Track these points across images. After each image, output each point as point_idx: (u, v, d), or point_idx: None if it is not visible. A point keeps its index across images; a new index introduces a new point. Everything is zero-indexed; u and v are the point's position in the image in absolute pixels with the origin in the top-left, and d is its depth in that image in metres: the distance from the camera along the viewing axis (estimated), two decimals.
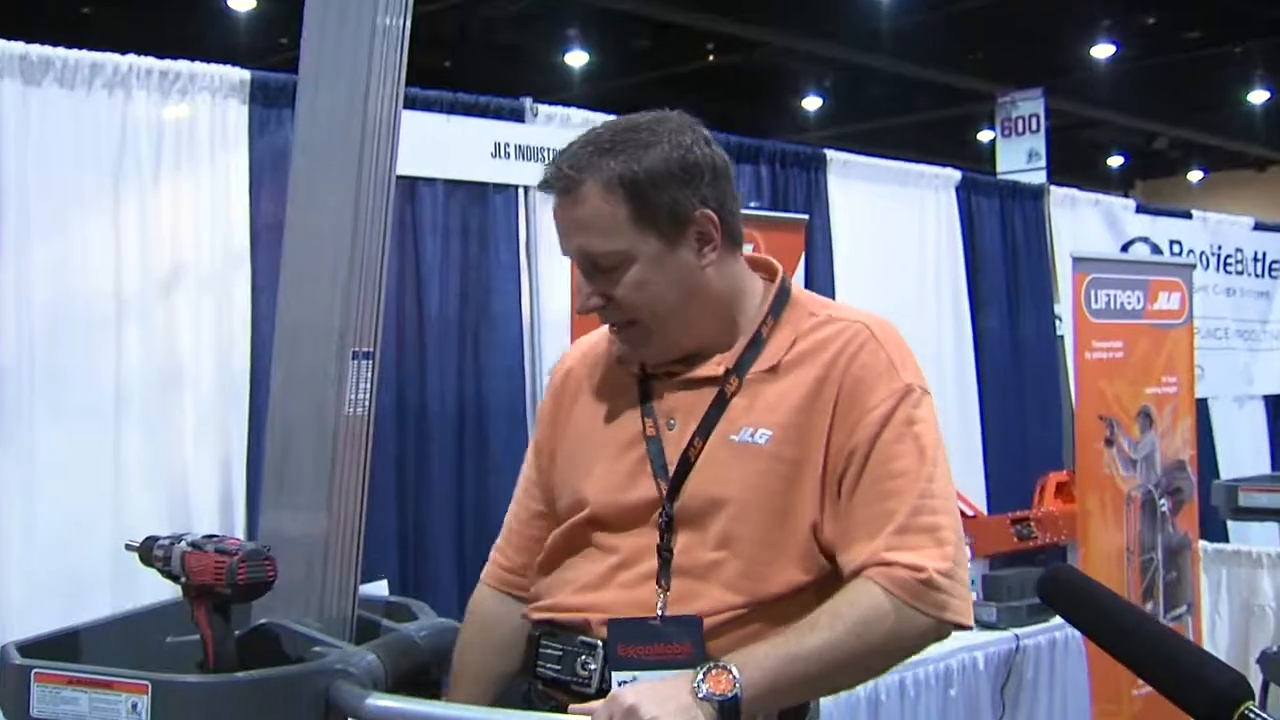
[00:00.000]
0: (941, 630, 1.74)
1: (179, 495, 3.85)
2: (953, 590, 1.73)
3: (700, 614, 1.77)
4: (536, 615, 1.91)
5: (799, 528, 1.79)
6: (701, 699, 1.60)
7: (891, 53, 12.14)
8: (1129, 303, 4.99)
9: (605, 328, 1.95)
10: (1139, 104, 14.82)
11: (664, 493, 1.82)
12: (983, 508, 5.69)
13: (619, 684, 1.75)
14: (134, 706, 1.63)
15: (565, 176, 1.79)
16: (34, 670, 1.70)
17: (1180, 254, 6.81)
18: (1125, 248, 6.44)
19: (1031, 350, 6.20)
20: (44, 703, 1.68)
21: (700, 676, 1.62)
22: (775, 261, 1.94)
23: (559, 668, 1.83)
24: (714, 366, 1.85)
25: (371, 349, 2.01)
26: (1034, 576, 4.96)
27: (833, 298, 5.66)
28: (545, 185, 1.83)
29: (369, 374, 2.00)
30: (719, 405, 1.83)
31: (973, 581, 4.89)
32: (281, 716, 1.67)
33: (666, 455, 1.84)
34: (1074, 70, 13.02)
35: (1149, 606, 4.93)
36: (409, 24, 2.05)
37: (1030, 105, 10.03)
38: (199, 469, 3.87)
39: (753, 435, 1.80)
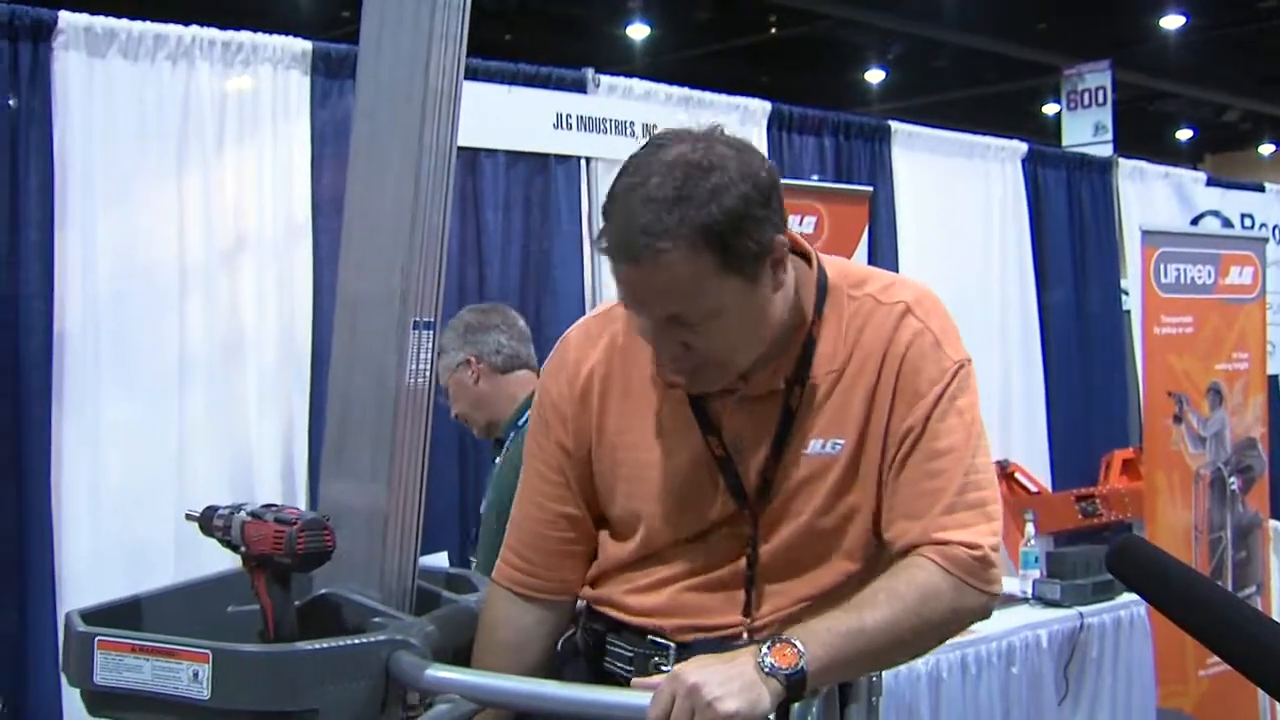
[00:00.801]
0: (992, 605, 1.75)
1: (242, 466, 3.88)
2: (999, 564, 1.74)
3: (785, 614, 1.79)
4: (606, 611, 1.90)
5: (860, 522, 1.79)
6: (767, 674, 1.58)
7: (955, 25, 12.00)
8: (1199, 277, 4.91)
9: (618, 310, 1.89)
10: (1209, 76, 14.57)
11: (748, 517, 1.80)
12: (1047, 484, 5.64)
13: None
14: (195, 675, 1.64)
15: (640, 245, 1.63)
16: (97, 638, 1.71)
17: (1252, 228, 6.68)
18: (1195, 221, 6.33)
19: (1098, 325, 6.12)
20: (107, 670, 1.69)
21: (765, 651, 1.60)
22: (804, 242, 1.83)
23: (630, 668, 1.82)
24: (772, 379, 1.78)
25: (432, 319, 1.99)
26: (1099, 554, 4.92)
27: (896, 269, 5.68)
28: (614, 253, 1.68)
29: (430, 344, 1.98)
30: (786, 419, 1.79)
31: (1036, 558, 4.85)
32: (342, 687, 1.67)
33: (742, 477, 1.80)
34: (1142, 41, 12.81)
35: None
36: None
37: (1097, 78, 9.87)
38: (261, 439, 3.90)
39: (824, 446, 1.78)
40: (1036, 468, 5.66)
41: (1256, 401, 5.06)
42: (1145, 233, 4.86)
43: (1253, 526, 5.01)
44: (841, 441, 1.77)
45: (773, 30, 12.54)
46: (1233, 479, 4.94)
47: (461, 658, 1.85)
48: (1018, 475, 5.49)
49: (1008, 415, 5.73)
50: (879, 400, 1.77)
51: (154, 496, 3.68)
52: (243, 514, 1.79)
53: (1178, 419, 4.82)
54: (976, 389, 1.81)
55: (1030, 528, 4.98)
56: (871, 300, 1.81)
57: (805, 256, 1.82)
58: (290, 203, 3.98)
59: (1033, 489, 5.49)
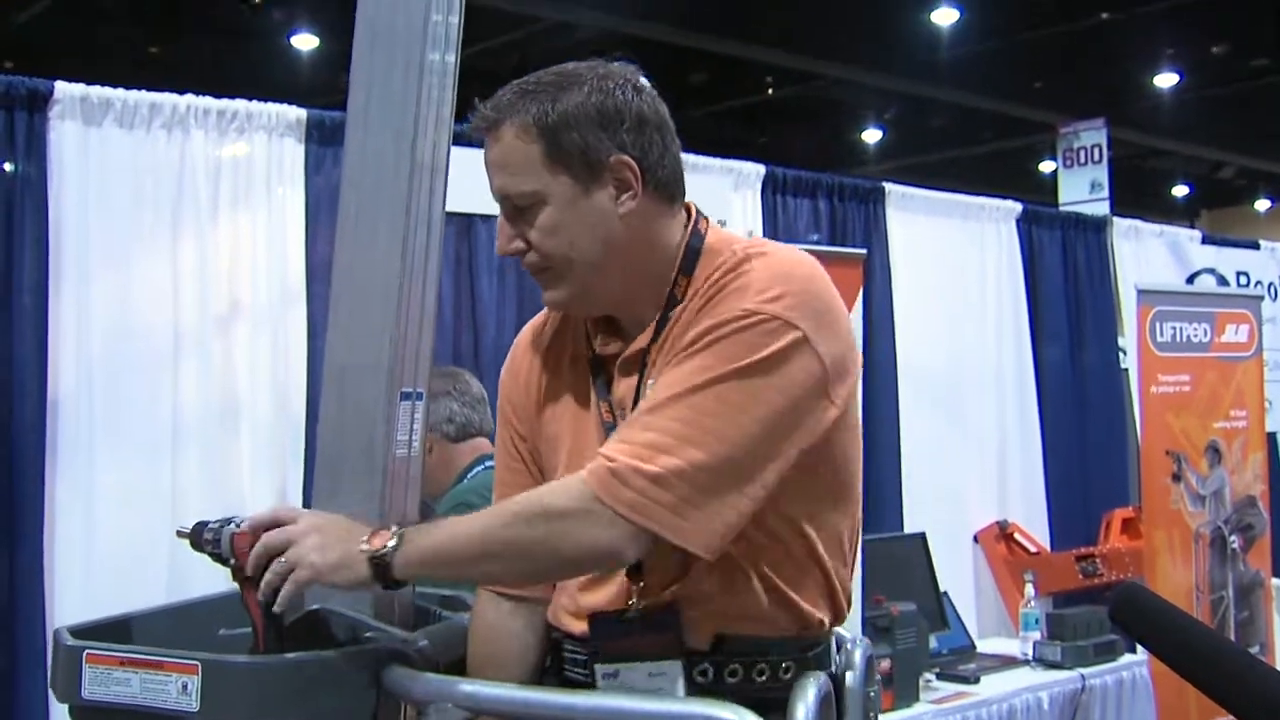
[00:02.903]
0: (621, 532, 1.63)
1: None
2: (651, 494, 1.62)
3: (664, 586, 1.76)
4: (552, 621, 1.90)
5: None
6: (359, 551, 1.69)
7: (951, 84, 12.09)
8: (1195, 335, 4.91)
9: (538, 319, 1.99)
10: (1204, 133, 14.65)
11: None
12: (1046, 544, 5.62)
13: (602, 677, 1.76)
14: (184, 687, 1.64)
15: (485, 117, 1.80)
16: (86, 651, 1.71)
17: (1248, 285, 6.70)
18: (1191, 279, 6.35)
19: (1095, 383, 6.12)
20: (95, 684, 1.69)
21: (366, 533, 1.71)
22: (692, 205, 1.87)
23: (585, 672, 1.81)
24: (642, 340, 1.82)
25: (420, 389, 2.02)
26: (1100, 615, 4.90)
27: (893, 332, 5.70)
28: (472, 128, 1.84)
29: (417, 414, 2.00)
30: (642, 379, 1.81)
31: (1036, 619, 4.82)
32: (333, 698, 1.68)
33: None
34: (1137, 100, 12.90)
35: None
36: (457, 59, 2.06)
37: (1092, 135, 9.90)
38: (255, 502, 3.88)
39: None
40: (1035, 527, 5.65)
41: (1255, 459, 5.04)
42: (1141, 291, 4.87)
43: (1255, 585, 4.98)
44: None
45: (770, 91, 12.63)
46: (1233, 538, 4.92)
47: (454, 673, 1.84)
48: (1016, 535, 5.48)
49: (1005, 474, 5.72)
50: (683, 341, 1.75)
51: (147, 559, 3.67)
52: (232, 526, 1.81)
53: (1176, 477, 4.80)
54: (786, 352, 1.68)
55: (1030, 588, 4.96)
56: (730, 253, 1.79)
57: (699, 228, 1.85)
58: (285, 268, 3.99)
59: (1032, 549, 5.47)
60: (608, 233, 1.78)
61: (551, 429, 1.90)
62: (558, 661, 1.88)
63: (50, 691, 3.37)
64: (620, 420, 1.79)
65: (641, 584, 1.77)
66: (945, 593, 4.87)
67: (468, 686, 1.73)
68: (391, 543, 1.67)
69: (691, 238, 1.83)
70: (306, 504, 3.72)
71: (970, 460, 5.58)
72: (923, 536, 4.84)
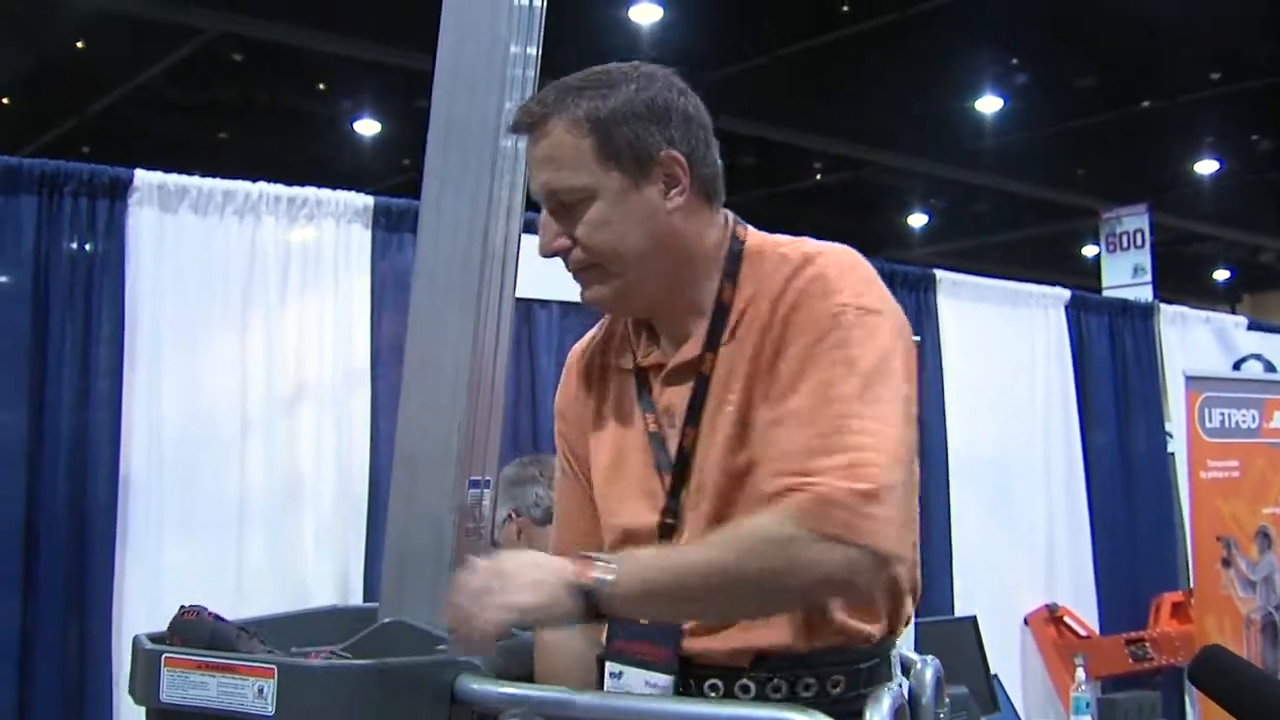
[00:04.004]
0: (852, 559, 1.57)
1: (299, 607, 3.92)
2: (869, 512, 1.57)
3: None
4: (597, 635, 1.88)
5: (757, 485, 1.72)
6: (570, 582, 1.61)
7: (995, 170, 12.19)
8: (1244, 421, 4.94)
9: (588, 336, 1.99)
10: (1244, 218, 14.68)
11: (667, 491, 1.78)
12: (1095, 628, 5.60)
13: (609, 675, 1.76)
14: (260, 690, 1.64)
15: (531, 112, 1.77)
16: (164, 655, 1.72)
17: None
18: (1237, 365, 6.35)
19: (1143, 468, 6.11)
20: (173, 688, 1.69)
21: (575, 561, 1.63)
22: (728, 214, 1.87)
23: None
24: (691, 348, 1.79)
25: (489, 477, 2.04)
26: (1151, 700, 4.89)
27: (943, 416, 5.73)
28: (515, 125, 1.81)
29: (485, 502, 2.03)
30: (701, 388, 1.78)
31: (1087, 704, 4.81)
32: (406, 705, 1.66)
33: (669, 450, 1.79)
34: (1178, 186, 12.98)
35: None
36: (529, 145, 2.02)
37: (1135, 221, 9.94)
38: (319, 581, 3.95)
39: (731, 406, 1.75)
40: (1084, 611, 5.62)
41: None
42: (1189, 378, 4.90)
43: None
44: (734, 396, 1.75)
45: (818, 176, 12.77)
46: None
47: None
48: (1066, 618, 5.46)
49: (1053, 558, 5.71)
50: (766, 348, 1.72)
51: None
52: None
53: (1226, 563, 4.81)
54: (888, 339, 1.69)
55: (1080, 672, 4.95)
56: (779, 256, 1.79)
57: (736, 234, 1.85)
58: (350, 351, 4.08)
59: (1082, 632, 5.45)
60: (655, 228, 1.77)
61: (596, 442, 1.90)
62: (600, 673, 1.84)
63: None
64: (667, 429, 1.79)
65: None
66: (995, 675, 4.87)
67: (540, 692, 1.73)
68: (607, 576, 1.60)
69: (731, 242, 1.83)
70: (369, 585, 3.83)
71: (1019, 543, 5.58)
72: (973, 620, 4.85)
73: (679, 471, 1.77)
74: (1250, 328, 6.83)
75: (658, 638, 1.74)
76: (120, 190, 3.77)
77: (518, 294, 2.20)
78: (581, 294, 1.82)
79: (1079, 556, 5.81)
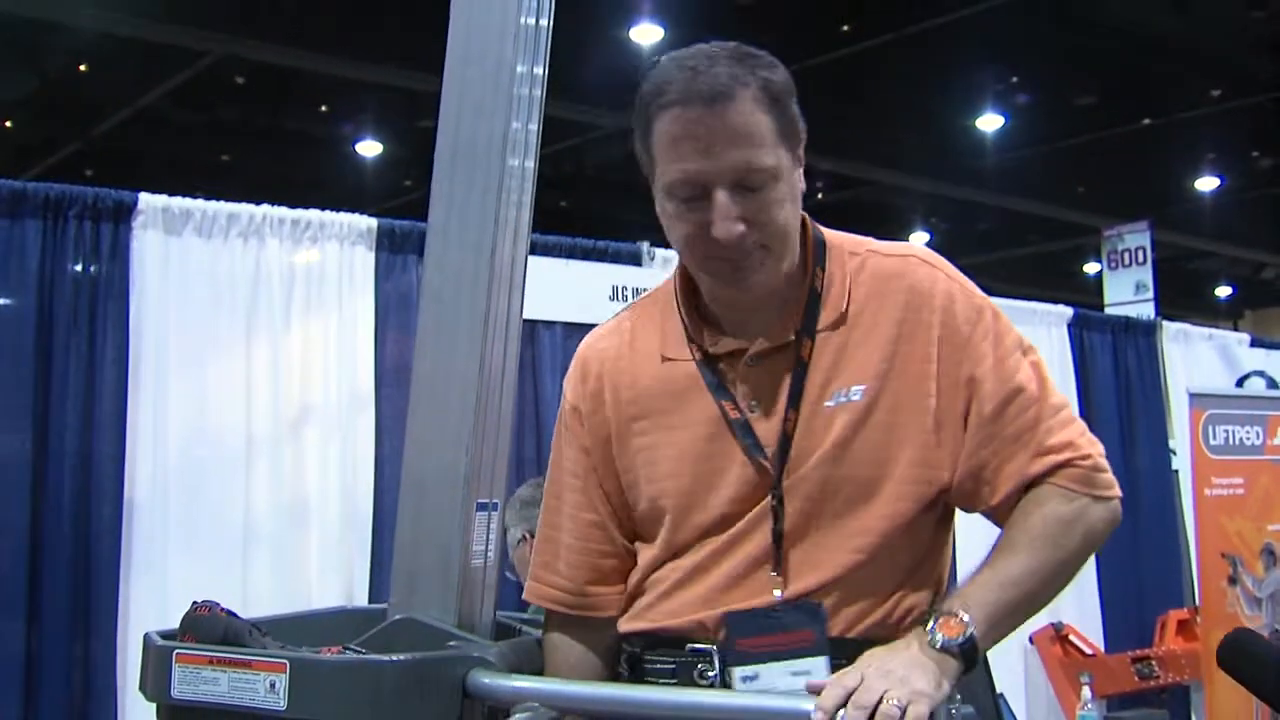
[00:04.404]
0: (1118, 510, 1.77)
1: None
2: (1108, 467, 1.76)
3: (821, 583, 1.72)
4: (638, 627, 1.83)
5: (903, 465, 1.73)
6: (940, 650, 1.56)
7: (997, 188, 12.22)
8: (1248, 438, 4.93)
9: (626, 312, 1.95)
10: (1245, 235, 14.72)
11: (772, 473, 1.74)
12: (1100, 646, 5.59)
13: (741, 680, 1.69)
14: (272, 685, 1.63)
15: (720, 85, 1.64)
16: (175, 651, 1.70)
17: None
18: (1240, 382, 6.36)
19: (1147, 486, 6.12)
20: (185, 683, 1.68)
21: (932, 628, 1.58)
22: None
23: (674, 681, 1.75)
24: (783, 330, 1.77)
25: (496, 499, 2.01)
26: (1158, 718, 4.87)
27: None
28: (690, 98, 1.65)
29: (493, 524, 2.00)
30: (800, 372, 1.75)
31: None
32: (419, 700, 1.65)
33: (759, 436, 1.75)
34: (1179, 202, 13.01)
35: None
36: (536, 166, 2.06)
37: (1137, 238, 9.97)
38: (323, 602, 3.94)
39: (845, 395, 1.74)
40: (1089, 629, 5.62)
41: None
42: (1193, 395, 4.90)
43: None
44: (862, 387, 1.73)
45: (820, 196, 12.79)
46: None
47: None
48: (1071, 637, 5.46)
49: None
50: (918, 346, 1.74)
51: None
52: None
53: (1232, 580, 4.79)
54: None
55: (1087, 691, 4.94)
56: (875, 255, 1.81)
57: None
58: (355, 372, 4.10)
59: (1088, 651, 5.45)
60: (797, 215, 1.76)
61: (643, 440, 1.84)
62: (637, 672, 1.82)
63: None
64: (750, 415, 1.76)
65: (792, 576, 1.73)
66: (1001, 694, 4.86)
67: (551, 686, 1.72)
68: (968, 622, 1.59)
69: (814, 230, 1.82)
70: (373, 599, 3.83)
71: None
72: None
73: (781, 458, 1.74)
74: (1253, 344, 6.84)
75: (794, 623, 1.70)
76: (125, 213, 3.80)
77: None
78: (738, 279, 1.74)
79: (1083, 575, 5.76)
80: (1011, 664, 5.38)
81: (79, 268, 3.75)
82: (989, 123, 10.90)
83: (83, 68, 9.35)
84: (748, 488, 1.76)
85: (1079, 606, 5.70)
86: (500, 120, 2.03)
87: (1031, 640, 5.47)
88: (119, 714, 3.62)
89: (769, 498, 1.74)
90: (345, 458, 4.05)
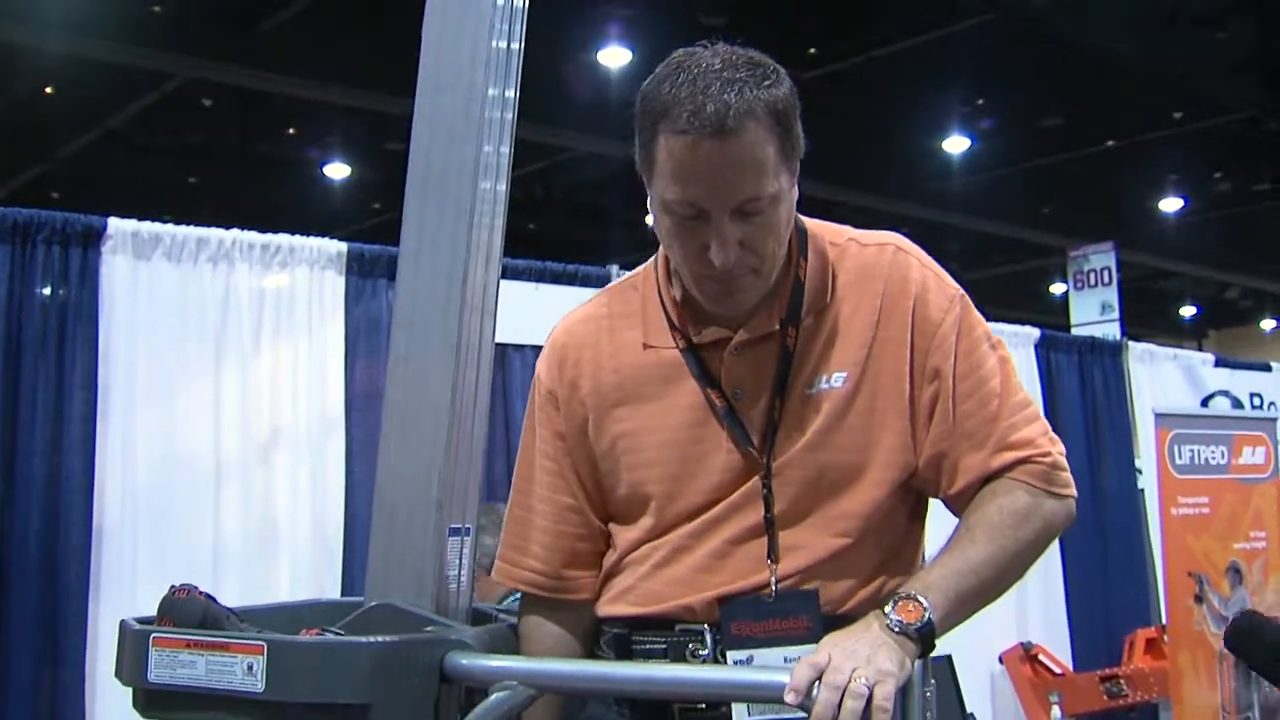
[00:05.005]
0: (1073, 510, 1.80)
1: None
2: (1066, 466, 1.80)
3: (808, 565, 1.75)
4: (622, 611, 1.85)
5: (883, 451, 1.77)
6: (898, 633, 1.59)
7: (963, 209, 12.30)
8: (1213, 458, 4.98)
9: (603, 297, 1.96)
10: (1209, 255, 14.87)
11: (761, 461, 1.76)
12: (1069, 665, 5.62)
13: (734, 663, 1.72)
14: (250, 668, 1.63)
15: (728, 115, 1.62)
16: (152, 635, 1.70)
17: (1261, 406, 6.77)
18: (1205, 401, 6.42)
19: (1114, 504, 6.16)
20: (161, 667, 1.67)
21: (889, 611, 1.61)
22: None
23: (708, 659, 1.77)
24: (768, 320, 1.79)
25: (469, 525, 2.01)
26: None
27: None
28: (701, 128, 1.63)
29: (465, 549, 1.99)
30: (785, 360, 1.79)
31: None
32: (398, 682, 1.65)
33: (746, 424, 1.78)
34: (1144, 224, 13.13)
35: None
36: (508, 189, 2.06)
37: (1102, 259, 10.07)
38: None
39: (827, 381, 1.77)
40: (1057, 648, 5.65)
41: (1276, 580, 5.08)
42: (1159, 415, 4.94)
43: None
44: (844, 374, 1.77)
45: None
46: None
47: None
48: (1041, 657, 5.48)
49: (1025, 596, 5.73)
50: (887, 334, 1.78)
51: None
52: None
53: (1199, 599, 4.84)
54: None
55: (1056, 710, 4.97)
56: (855, 244, 1.85)
57: None
58: (324, 397, 4.09)
59: (1056, 670, 5.47)
60: (791, 223, 1.78)
61: (624, 426, 1.85)
62: (625, 654, 1.84)
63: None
64: (736, 403, 1.78)
65: (783, 562, 1.76)
66: (971, 714, 4.88)
67: (528, 664, 1.72)
68: (926, 607, 1.62)
69: (798, 225, 1.83)
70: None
71: None
72: (948, 659, 4.87)
73: (769, 440, 1.77)
74: (1217, 364, 6.90)
75: (791, 610, 1.73)
76: (94, 238, 3.78)
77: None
78: (726, 301, 1.77)
79: (1051, 594, 5.84)
80: (981, 684, 5.40)
81: (47, 292, 3.73)
82: (955, 144, 10.99)
83: (49, 90, 9.31)
84: (733, 474, 1.79)
85: (1047, 626, 5.74)
86: (472, 144, 2.02)
87: (1001, 660, 5.50)
88: None
89: (752, 484, 1.77)
90: (315, 482, 4.04)
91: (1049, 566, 5.83)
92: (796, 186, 1.75)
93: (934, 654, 1.69)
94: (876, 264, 1.82)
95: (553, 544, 1.92)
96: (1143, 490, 6.08)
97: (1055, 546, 5.79)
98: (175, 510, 3.83)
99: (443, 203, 2.09)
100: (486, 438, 2.13)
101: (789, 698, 1.49)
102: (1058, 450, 1.79)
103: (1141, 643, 5.58)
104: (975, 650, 5.34)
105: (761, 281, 1.76)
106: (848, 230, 1.90)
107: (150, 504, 3.79)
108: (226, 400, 3.95)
